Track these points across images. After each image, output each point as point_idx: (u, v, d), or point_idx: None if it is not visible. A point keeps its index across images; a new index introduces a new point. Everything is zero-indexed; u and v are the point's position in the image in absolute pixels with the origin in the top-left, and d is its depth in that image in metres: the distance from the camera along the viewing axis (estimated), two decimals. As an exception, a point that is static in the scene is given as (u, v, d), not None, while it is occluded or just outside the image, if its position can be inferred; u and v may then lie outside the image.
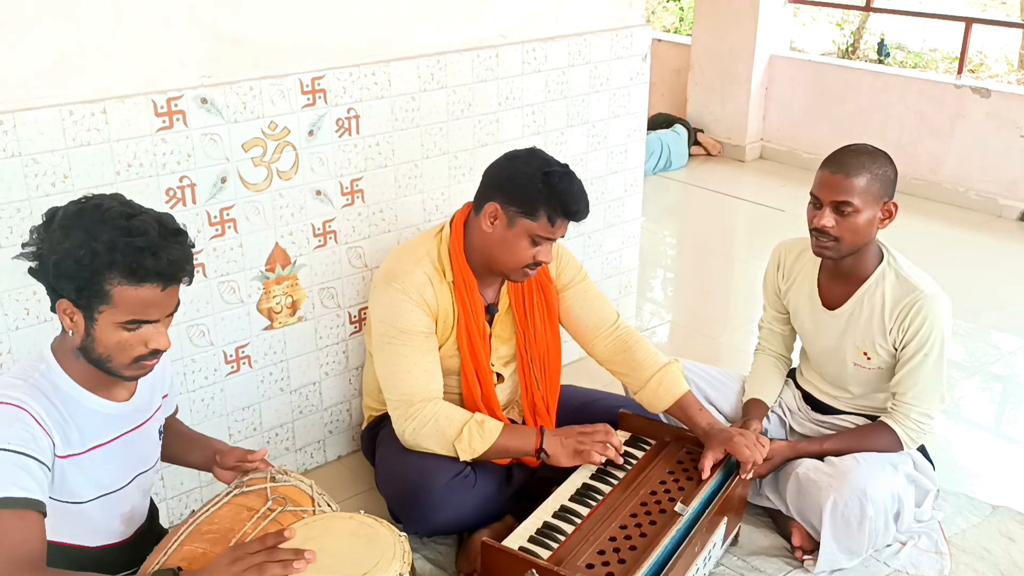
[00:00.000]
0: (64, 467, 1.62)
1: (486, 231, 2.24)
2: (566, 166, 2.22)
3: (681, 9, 10.67)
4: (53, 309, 1.59)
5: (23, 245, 1.56)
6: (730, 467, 2.34)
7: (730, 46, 5.98)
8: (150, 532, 1.89)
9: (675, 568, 1.99)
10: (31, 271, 1.57)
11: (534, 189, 2.16)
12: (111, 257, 1.49)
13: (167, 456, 1.98)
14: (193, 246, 1.62)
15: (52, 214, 1.56)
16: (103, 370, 1.62)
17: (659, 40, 6.65)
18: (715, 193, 5.55)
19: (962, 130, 5.19)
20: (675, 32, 10.02)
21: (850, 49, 9.07)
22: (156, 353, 1.61)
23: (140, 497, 1.84)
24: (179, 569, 1.52)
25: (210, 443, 1.97)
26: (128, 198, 1.60)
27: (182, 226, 1.60)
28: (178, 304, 1.63)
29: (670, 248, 4.92)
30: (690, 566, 2.09)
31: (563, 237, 2.26)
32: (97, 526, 1.74)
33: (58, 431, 1.60)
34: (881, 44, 8.76)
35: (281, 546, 1.51)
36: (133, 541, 1.82)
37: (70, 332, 1.59)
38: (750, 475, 2.31)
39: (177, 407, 2.04)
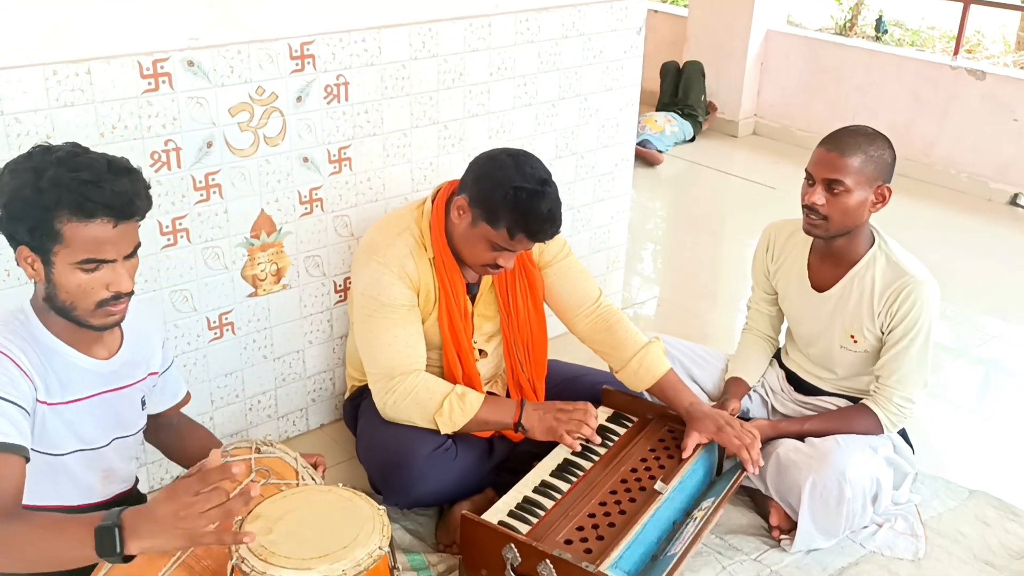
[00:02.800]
0: (45, 413, 1.62)
1: (454, 221, 2.24)
2: (544, 183, 2.13)
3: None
4: (18, 262, 1.58)
5: None
6: (712, 449, 2.35)
7: (727, 20, 5.93)
8: (131, 497, 1.89)
9: (679, 567, 2.00)
10: (3, 233, 1.56)
11: (500, 198, 2.11)
12: (57, 193, 1.49)
13: (175, 452, 2.01)
14: (149, 187, 1.60)
15: (5, 165, 1.56)
16: (71, 320, 1.61)
17: (655, 11, 6.60)
18: (706, 168, 5.52)
19: (956, 112, 5.18)
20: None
21: (848, 24, 9.01)
22: (119, 297, 1.60)
23: (120, 461, 1.83)
24: (120, 525, 1.38)
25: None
26: (82, 145, 1.59)
27: (136, 167, 1.59)
28: (138, 246, 1.61)
29: (659, 222, 4.91)
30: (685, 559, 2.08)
31: (527, 249, 2.24)
32: (76, 480, 1.74)
33: (40, 376, 1.60)
34: (879, 21, 8.71)
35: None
36: (114, 503, 1.81)
37: (32, 281, 1.59)
38: (755, 470, 2.29)
39: (188, 395, 2.04)
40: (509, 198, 2.10)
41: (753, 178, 5.34)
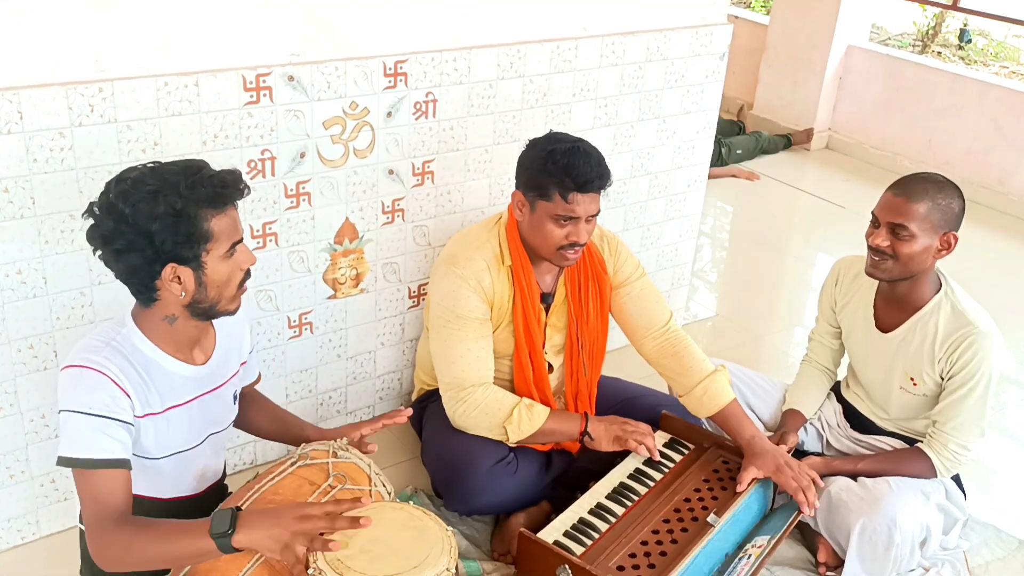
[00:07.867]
0: (141, 425, 1.72)
1: (518, 219, 2.33)
2: (576, 140, 2.25)
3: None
4: (150, 294, 1.68)
5: (117, 251, 1.63)
6: (767, 484, 2.39)
7: (808, 32, 5.88)
8: (219, 489, 2.01)
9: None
10: (134, 267, 1.64)
11: (540, 170, 2.22)
12: (197, 194, 1.62)
13: (244, 424, 2.10)
14: None
15: (110, 208, 1.61)
16: (211, 316, 1.74)
17: (735, 17, 6.55)
18: (776, 181, 5.50)
19: (1037, 143, 5.09)
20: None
21: (931, 32, 8.81)
22: (248, 274, 1.76)
23: (212, 456, 1.95)
24: (239, 508, 1.58)
25: (299, 424, 2.08)
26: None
27: None
28: None
29: (723, 236, 4.92)
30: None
31: (594, 213, 2.26)
32: (169, 480, 1.85)
33: (137, 392, 1.70)
34: (963, 31, 8.52)
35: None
36: (205, 495, 1.94)
37: (181, 295, 1.68)
38: (812, 513, 2.32)
39: (260, 376, 2.13)
40: (548, 164, 2.21)
41: (823, 195, 5.31)
